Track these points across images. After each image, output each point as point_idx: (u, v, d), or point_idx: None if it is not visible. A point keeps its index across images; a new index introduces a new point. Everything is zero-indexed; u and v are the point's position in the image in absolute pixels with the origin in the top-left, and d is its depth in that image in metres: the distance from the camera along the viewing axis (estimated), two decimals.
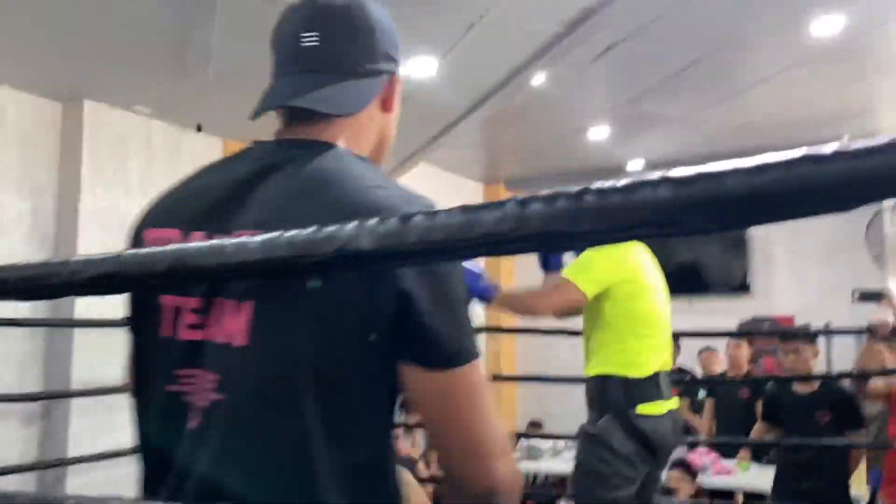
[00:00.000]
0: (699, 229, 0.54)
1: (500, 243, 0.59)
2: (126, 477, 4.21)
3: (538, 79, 4.11)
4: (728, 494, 4.78)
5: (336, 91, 0.97)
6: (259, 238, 0.70)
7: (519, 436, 5.69)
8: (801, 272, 6.69)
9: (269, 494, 0.86)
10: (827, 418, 3.63)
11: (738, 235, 6.79)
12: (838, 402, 3.66)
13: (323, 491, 0.86)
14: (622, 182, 0.55)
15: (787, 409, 3.81)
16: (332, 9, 0.98)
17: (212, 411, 0.88)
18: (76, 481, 4.10)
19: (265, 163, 0.96)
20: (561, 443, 5.38)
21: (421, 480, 5.45)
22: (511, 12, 3.20)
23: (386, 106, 1.05)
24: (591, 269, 2.53)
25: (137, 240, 0.99)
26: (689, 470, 4.49)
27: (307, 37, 0.97)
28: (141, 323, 0.95)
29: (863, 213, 5.88)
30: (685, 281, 7.12)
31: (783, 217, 0.49)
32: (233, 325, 0.87)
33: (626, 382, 2.52)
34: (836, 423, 3.62)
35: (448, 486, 0.98)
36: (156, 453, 0.94)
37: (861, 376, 3.73)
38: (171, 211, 0.99)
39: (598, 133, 5.75)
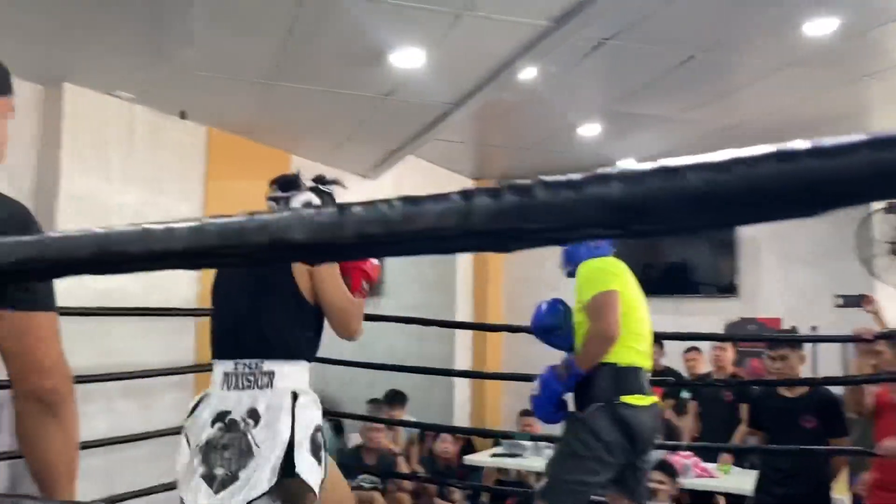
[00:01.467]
0: (652, 232, 0.49)
1: (443, 240, 0.54)
2: (101, 466, 4.12)
3: (528, 73, 4.05)
4: (708, 497, 4.76)
5: None
6: (187, 225, 0.65)
7: (503, 434, 5.65)
8: (788, 274, 6.67)
9: None
10: (812, 423, 3.60)
11: (727, 236, 6.77)
12: (824, 408, 3.63)
13: None
14: (574, 176, 0.49)
15: (772, 414, 3.78)
16: None
17: None
18: None
19: None
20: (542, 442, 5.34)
21: (402, 476, 5.41)
22: (499, 3, 3.15)
23: None
24: (605, 273, 2.76)
25: None
26: (670, 471, 4.47)
27: None
28: None
29: (851, 217, 5.85)
30: (672, 281, 7.10)
31: (747, 220, 0.44)
32: None
33: (615, 371, 2.71)
34: (821, 429, 3.59)
35: None
36: None
37: (849, 382, 3.71)
38: None
39: (589, 130, 5.71)
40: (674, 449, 4.69)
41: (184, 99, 4.44)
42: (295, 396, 2.12)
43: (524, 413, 6.29)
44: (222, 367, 2.23)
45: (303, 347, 2.25)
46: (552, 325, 2.84)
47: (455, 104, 4.33)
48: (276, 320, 2.21)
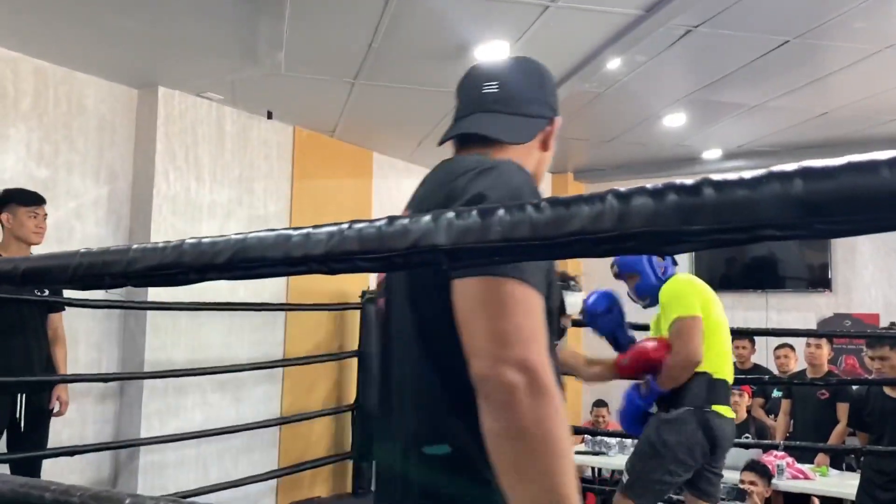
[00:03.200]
0: (837, 231, 0.46)
1: (597, 243, 0.52)
2: (195, 457, 4.30)
3: (613, 64, 3.97)
4: (804, 499, 4.59)
5: (508, 124, 1.17)
6: (326, 230, 0.65)
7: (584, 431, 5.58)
8: (887, 268, 6.35)
9: None
10: None
11: None
12: None
13: None
14: (747, 174, 0.47)
15: (876, 414, 3.61)
16: (513, 64, 1.23)
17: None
18: (148, 459, 4.19)
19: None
20: (628, 440, 5.25)
21: None
22: None
23: (545, 145, 1.23)
24: (688, 295, 2.83)
25: None
26: (763, 472, 4.33)
27: (488, 85, 1.19)
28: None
29: None
30: (760, 275, 6.86)
31: None
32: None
33: (709, 381, 2.84)
34: None
35: None
36: None
37: None
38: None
39: (674, 120, 5.56)
40: (769, 448, 4.54)
41: (270, 99, 4.54)
42: None
43: (597, 404, 6.36)
44: None
45: None
46: (598, 310, 2.95)
47: None
48: None
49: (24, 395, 3.45)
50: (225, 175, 4.64)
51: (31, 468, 3.41)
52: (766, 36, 3.88)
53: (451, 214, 0.59)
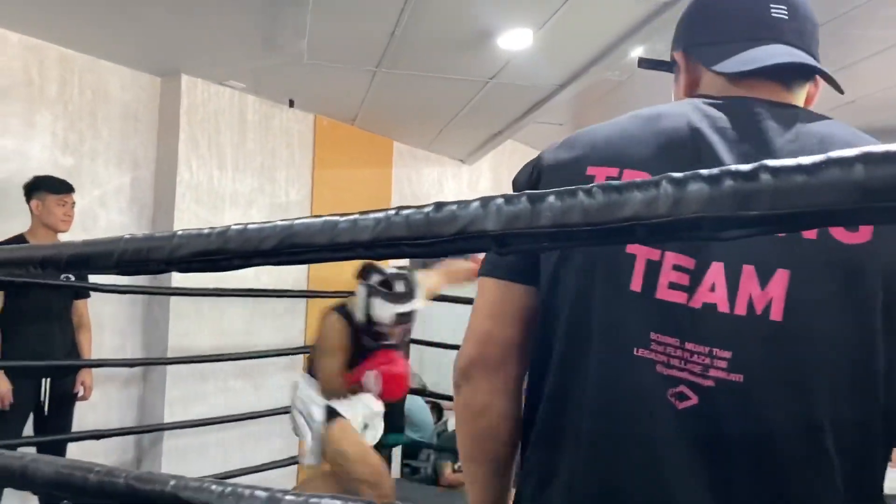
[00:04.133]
0: None
1: (651, 229, 0.52)
2: (216, 443, 4.33)
3: (636, 52, 3.94)
4: None
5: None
6: (374, 216, 0.65)
7: None
8: None
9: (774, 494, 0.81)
10: None
11: None
12: None
13: None
14: (805, 159, 0.47)
15: None
16: None
17: (717, 393, 0.81)
18: (171, 444, 4.24)
19: (748, 118, 0.91)
20: None
21: None
22: None
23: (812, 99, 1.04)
24: None
25: (581, 176, 0.93)
26: None
27: (777, 9, 0.96)
28: (595, 269, 0.88)
29: None
30: None
31: None
32: (759, 294, 0.81)
33: None
34: None
35: None
36: (601, 419, 0.87)
37: None
38: (616, 152, 0.93)
39: None
40: None
41: (292, 88, 4.55)
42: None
43: None
44: None
45: None
46: None
47: (561, 86, 4.26)
48: None
49: (48, 380, 3.50)
50: (247, 163, 4.66)
51: (56, 451, 3.47)
52: None
53: (500, 200, 0.59)
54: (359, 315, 3.09)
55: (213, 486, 0.75)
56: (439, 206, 0.63)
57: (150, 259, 0.80)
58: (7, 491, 3.32)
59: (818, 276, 0.80)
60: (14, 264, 0.99)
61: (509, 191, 0.65)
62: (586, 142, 0.97)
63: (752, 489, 0.81)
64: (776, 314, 0.80)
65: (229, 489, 0.73)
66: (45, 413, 3.51)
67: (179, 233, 0.78)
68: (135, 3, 3.40)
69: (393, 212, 0.65)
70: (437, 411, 6.04)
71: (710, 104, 0.94)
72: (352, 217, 0.67)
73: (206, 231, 0.76)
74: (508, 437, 0.99)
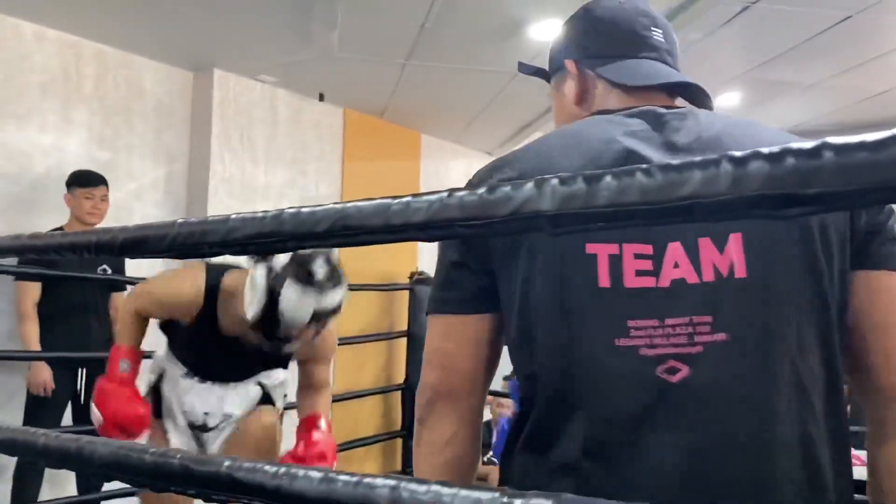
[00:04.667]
0: None
1: (711, 208, 0.52)
2: None
3: None
4: (860, 485, 4.50)
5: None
6: (427, 198, 0.66)
7: None
8: None
9: (772, 440, 0.86)
10: None
11: None
12: None
13: (819, 445, 0.88)
14: (868, 137, 0.47)
15: None
16: (662, 19, 1.10)
17: (707, 356, 0.86)
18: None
19: (665, 121, 0.98)
20: None
21: None
22: None
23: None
24: None
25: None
26: None
27: (656, 31, 1.07)
28: (562, 277, 0.90)
29: None
30: None
31: None
32: (720, 259, 0.88)
33: None
34: None
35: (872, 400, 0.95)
36: (600, 408, 0.89)
37: None
38: (556, 168, 0.87)
39: (728, 99, 5.46)
40: None
41: (322, 81, 4.57)
42: None
43: None
44: None
45: None
46: None
47: None
48: None
49: (83, 370, 3.58)
50: (279, 157, 4.70)
51: None
52: (828, 11, 3.78)
53: (555, 180, 0.59)
54: (250, 309, 2.03)
55: (267, 467, 0.76)
56: (493, 187, 0.64)
57: (204, 242, 0.82)
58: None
59: (765, 230, 0.87)
60: (69, 249, 1.02)
61: None
62: (523, 161, 0.98)
63: (755, 433, 0.86)
64: (740, 272, 0.87)
65: (283, 469, 0.74)
66: (82, 402, 3.58)
67: (233, 216, 0.80)
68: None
69: (445, 193, 0.66)
70: None
71: (626, 115, 1.00)
72: (405, 199, 0.68)
73: (259, 214, 0.77)
74: (472, 465, 1.03)
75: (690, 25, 3.67)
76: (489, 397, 5.46)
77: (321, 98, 4.77)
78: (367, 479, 0.67)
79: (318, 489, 0.69)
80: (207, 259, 2.27)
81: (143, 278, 3.72)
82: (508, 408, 5.39)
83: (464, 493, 0.58)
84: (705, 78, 4.69)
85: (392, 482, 0.65)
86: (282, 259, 2.02)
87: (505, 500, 0.55)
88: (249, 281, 2.06)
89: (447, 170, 5.96)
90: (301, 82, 4.59)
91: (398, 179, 5.42)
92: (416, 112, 5.16)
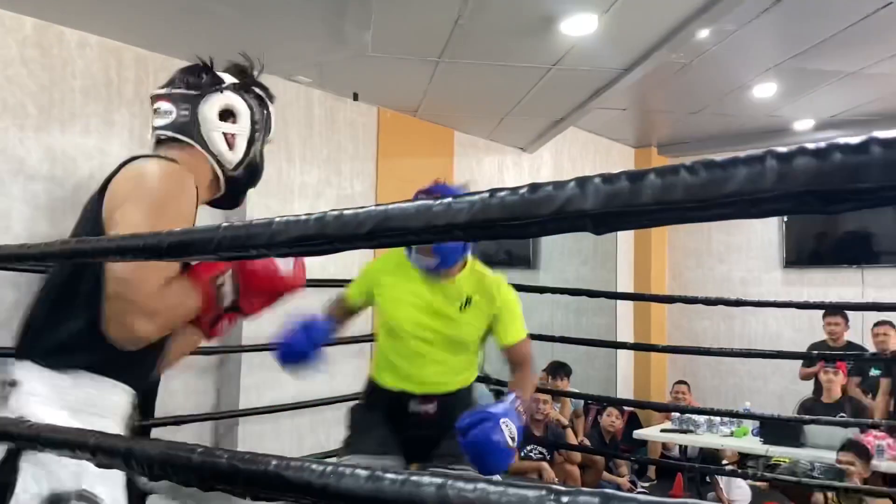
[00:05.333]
0: None
1: (755, 203, 0.52)
2: (290, 429, 4.41)
3: (702, 33, 3.86)
4: None
5: None
6: (469, 199, 0.67)
7: (674, 408, 5.51)
8: None
9: None
10: None
11: None
12: None
13: None
14: None
15: None
16: None
17: None
18: (246, 430, 4.37)
19: None
20: (717, 418, 5.16)
21: (571, 447, 5.42)
22: None
23: None
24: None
25: None
26: (862, 452, 4.20)
27: None
28: None
29: None
30: (855, 250, 6.59)
31: None
32: None
33: None
34: None
35: None
36: None
37: None
38: None
39: (764, 90, 5.38)
40: (867, 428, 4.39)
41: (356, 81, 4.60)
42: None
43: (678, 382, 6.48)
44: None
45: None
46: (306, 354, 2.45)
47: (625, 70, 4.21)
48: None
49: None
50: (314, 156, 4.74)
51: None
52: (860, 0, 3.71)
53: (597, 179, 0.60)
54: None
55: (315, 466, 0.77)
56: (534, 186, 0.64)
57: (249, 245, 0.84)
58: None
59: None
60: (116, 252, 1.04)
61: None
62: None
63: None
64: None
65: (330, 468, 0.75)
66: None
67: (277, 219, 0.81)
68: (205, 2, 3.49)
69: (487, 194, 0.66)
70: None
71: None
72: (446, 200, 0.68)
73: (303, 217, 0.78)
74: None
75: (727, 16, 3.63)
76: (538, 395, 5.42)
77: (355, 98, 4.80)
78: (414, 478, 0.68)
79: (365, 487, 0.70)
80: None
81: None
82: (553, 408, 5.38)
83: (511, 490, 0.58)
84: (741, 69, 4.67)
85: (439, 480, 0.66)
86: None
87: (552, 497, 0.56)
88: None
89: (480, 166, 5.96)
90: (335, 82, 4.62)
91: (432, 176, 5.37)
92: (448, 109, 5.17)
